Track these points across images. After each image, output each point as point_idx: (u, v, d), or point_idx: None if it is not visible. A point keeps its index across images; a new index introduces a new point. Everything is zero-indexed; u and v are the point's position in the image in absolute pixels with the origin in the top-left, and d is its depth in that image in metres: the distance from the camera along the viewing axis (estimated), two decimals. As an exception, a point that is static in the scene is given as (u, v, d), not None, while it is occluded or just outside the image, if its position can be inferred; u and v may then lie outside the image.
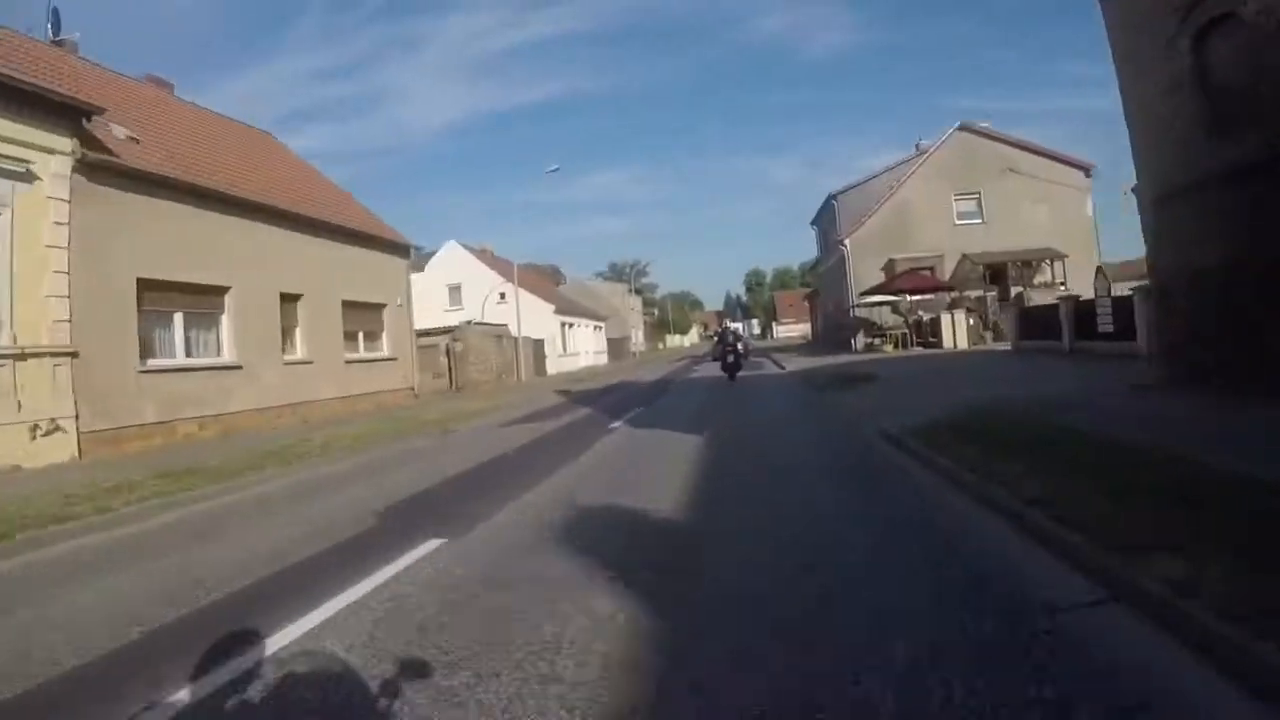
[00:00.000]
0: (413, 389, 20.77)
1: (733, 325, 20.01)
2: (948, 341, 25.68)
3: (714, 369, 22.38)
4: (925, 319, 27.74)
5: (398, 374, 20.15)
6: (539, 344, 34.39)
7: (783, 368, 23.24)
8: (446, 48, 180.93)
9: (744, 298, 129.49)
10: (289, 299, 16.23)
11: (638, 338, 71.17)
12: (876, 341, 27.69)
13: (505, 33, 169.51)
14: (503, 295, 33.70)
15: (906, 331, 26.75)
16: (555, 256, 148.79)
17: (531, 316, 35.63)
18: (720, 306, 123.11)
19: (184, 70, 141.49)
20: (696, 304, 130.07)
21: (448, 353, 24.77)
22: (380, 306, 19.86)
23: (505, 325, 30.49)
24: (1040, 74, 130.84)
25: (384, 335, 19.92)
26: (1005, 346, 23.71)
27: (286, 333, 16.25)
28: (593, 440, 9.17)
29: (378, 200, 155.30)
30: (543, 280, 51.64)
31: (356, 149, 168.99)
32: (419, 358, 24.28)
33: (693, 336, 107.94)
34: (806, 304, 74.17)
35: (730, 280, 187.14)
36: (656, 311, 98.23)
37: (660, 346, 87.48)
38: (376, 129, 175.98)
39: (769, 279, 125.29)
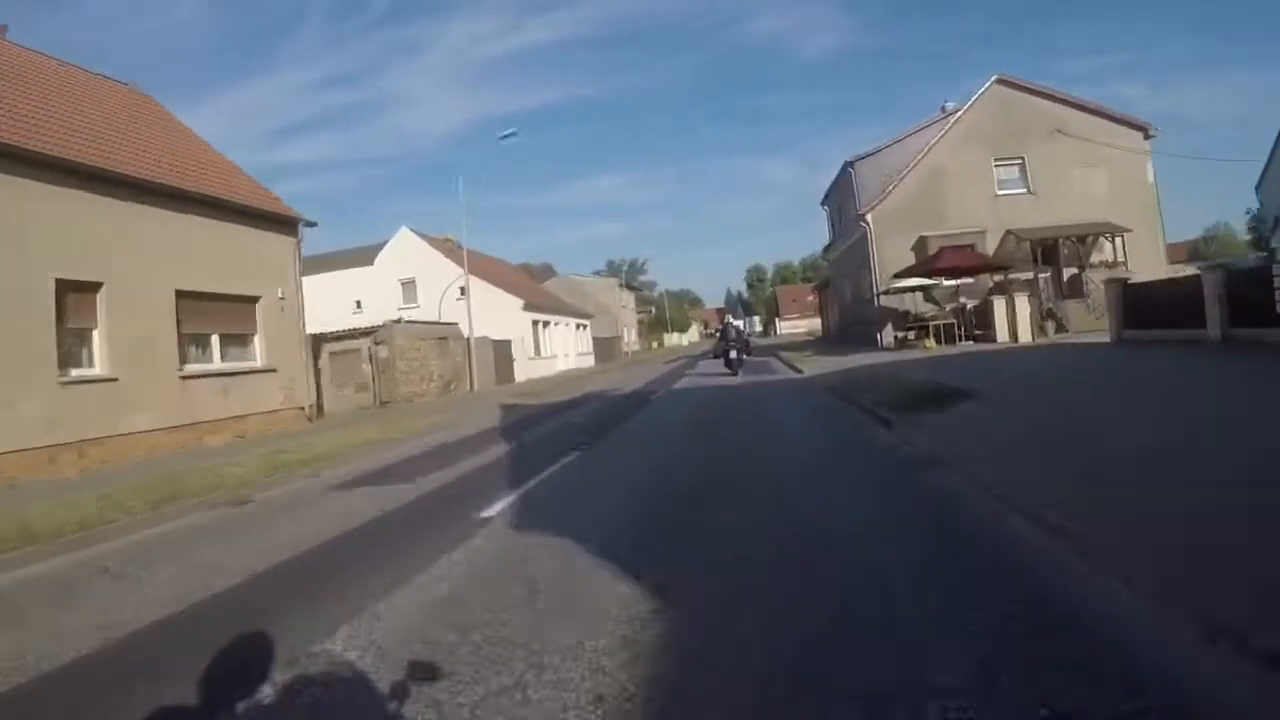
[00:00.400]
0: (303, 409, 15.51)
1: (735, 322, 19.76)
2: (1001, 334, 20.55)
3: (710, 371, 21.09)
4: (969, 306, 22.58)
5: (278, 391, 14.89)
6: (503, 346, 29.15)
7: (799, 371, 17.87)
8: (445, 55, 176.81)
9: (745, 294, 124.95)
10: (77, 289, 11.03)
11: (631, 337, 65.82)
12: (911, 335, 22.45)
13: (504, 38, 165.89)
14: (462, 290, 28.54)
15: (953, 322, 21.51)
16: (556, 260, 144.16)
17: (497, 314, 30.54)
18: (721, 303, 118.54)
19: (185, 77, 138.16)
20: (696, 301, 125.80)
21: (371, 359, 19.55)
22: (251, 300, 14.54)
23: (454, 324, 25.26)
24: (1041, 73, 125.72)
25: (256, 339, 14.57)
26: (1079, 339, 18.61)
27: (78, 338, 11.10)
28: (376, 594, 3.94)
29: (378, 205, 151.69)
30: (515, 274, 46.34)
31: (358, 156, 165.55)
32: (335, 367, 19.17)
33: (692, 334, 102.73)
34: (812, 298, 68.99)
35: (731, 277, 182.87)
36: (654, 309, 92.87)
37: (655, 346, 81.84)
38: (377, 136, 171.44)
39: (770, 275, 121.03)
